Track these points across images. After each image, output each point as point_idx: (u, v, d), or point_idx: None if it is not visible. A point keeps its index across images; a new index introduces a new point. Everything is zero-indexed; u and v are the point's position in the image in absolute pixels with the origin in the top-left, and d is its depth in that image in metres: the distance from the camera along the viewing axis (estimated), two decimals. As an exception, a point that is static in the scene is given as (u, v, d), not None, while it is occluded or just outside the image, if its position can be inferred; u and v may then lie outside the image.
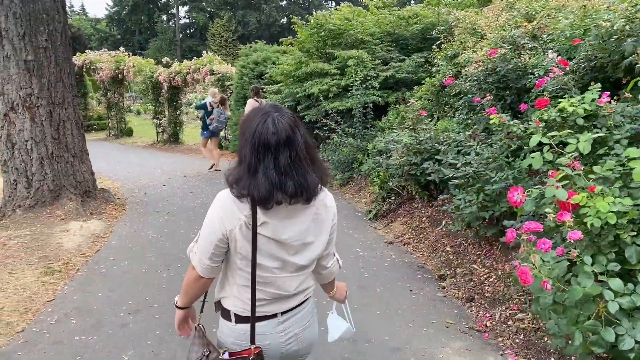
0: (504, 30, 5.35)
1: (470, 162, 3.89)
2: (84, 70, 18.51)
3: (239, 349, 1.52)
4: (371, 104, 7.72)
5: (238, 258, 1.48)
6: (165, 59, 15.74)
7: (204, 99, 11.71)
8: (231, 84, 12.49)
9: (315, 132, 9.43)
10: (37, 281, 4.15)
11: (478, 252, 4.19)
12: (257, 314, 1.51)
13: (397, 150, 5.07)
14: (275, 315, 1.55)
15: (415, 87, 7.48)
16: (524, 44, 4.74)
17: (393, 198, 5.76)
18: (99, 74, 17.42)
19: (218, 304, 1.62)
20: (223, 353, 1.53)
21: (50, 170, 6.16)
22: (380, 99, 7.86)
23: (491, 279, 3.79)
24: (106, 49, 17.97)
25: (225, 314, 1.58)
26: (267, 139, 1.38)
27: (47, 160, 6.13)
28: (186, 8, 54.79)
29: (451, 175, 4.02)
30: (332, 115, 8.00)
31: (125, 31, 52.45)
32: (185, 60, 15.17)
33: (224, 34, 44.31)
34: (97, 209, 6.50)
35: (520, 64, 4.41)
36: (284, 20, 49.99)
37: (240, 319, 1.54)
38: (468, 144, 4.22)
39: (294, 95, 9.23)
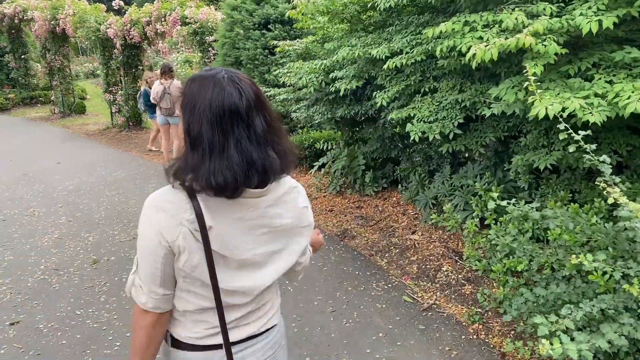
0: None
1: None
2: (19, 22, 12.98)
3: None
4: None
5: (181, 276, 1.13)
6: (117, 2, 10.33)
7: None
8: (215, 41, 7.18)
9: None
10: None
11: None
12: (202, 343, 1.20)
13: None
14: (220, 347, 1.21)
15: None
16: None
17: None
18: (33, 27, 12.06)
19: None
20: None
21: None
22: None
23: None
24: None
25: (176, 344, 1.24)
26: (234, 102, 1.03)
27: None
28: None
29: None
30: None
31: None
32: (147, 4, 9.77)
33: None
34: None
35: None
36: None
37: (191, 348, 1.22)
38: None
39: (360, 66, 4.04)
